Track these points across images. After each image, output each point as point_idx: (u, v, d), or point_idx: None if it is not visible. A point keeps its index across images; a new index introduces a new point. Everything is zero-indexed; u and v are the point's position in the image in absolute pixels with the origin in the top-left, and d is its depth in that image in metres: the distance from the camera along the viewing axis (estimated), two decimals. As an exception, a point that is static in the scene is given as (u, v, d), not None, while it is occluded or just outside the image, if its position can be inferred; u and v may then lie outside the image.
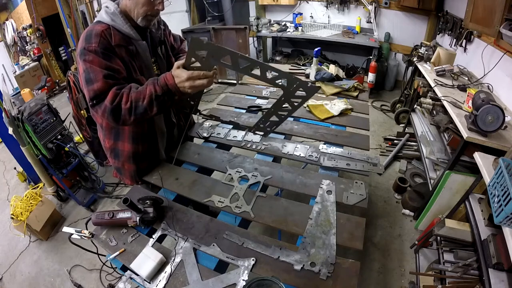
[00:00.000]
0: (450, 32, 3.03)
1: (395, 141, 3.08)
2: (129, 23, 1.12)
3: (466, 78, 2.33)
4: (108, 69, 1.06)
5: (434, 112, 2.22)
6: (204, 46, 0.91)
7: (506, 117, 1.51)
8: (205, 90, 1.41)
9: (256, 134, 1.46)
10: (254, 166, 1.33)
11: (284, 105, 1.09)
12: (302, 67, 2.63)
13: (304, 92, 0.97)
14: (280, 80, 1.01)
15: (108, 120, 1.09)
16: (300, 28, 4.32)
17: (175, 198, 1.25)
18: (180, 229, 1.08)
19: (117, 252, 1.00)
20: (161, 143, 1.42)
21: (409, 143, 3.00)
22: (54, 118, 2.28)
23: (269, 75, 0.98)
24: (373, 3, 3.83)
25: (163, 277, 0.93)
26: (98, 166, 3.00)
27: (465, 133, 1.63)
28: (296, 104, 1.05)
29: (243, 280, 0.89)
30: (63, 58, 5.36)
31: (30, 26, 4.85)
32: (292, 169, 1.30)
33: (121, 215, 1.07)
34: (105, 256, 1.04)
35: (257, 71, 0.97)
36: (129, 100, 1.04)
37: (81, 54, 1.05)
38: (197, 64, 1.00)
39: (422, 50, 2.83)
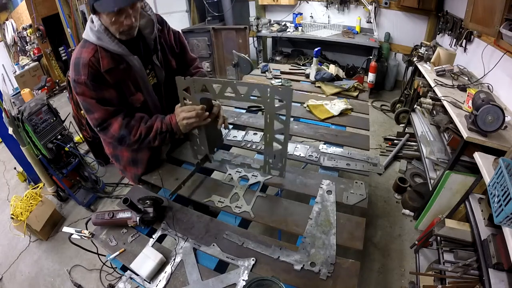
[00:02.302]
0: (450, 32, 3.03)
1: (395, 141, 3.08)
2: (116, 40, 1.05)
3: (466, 78, 2.32)
4: (100, 101, 1.07)
5: (434, 112, 2.22)
6: (186, 82, 1.03)
7: (506, 117, 1.51)
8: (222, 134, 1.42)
9: (274, 175, 1.28)
10: (253, 164, 1.33)
11: (275, 128, 1.07)
12: (302, 67, 2.63)
13: (282, 101, 0.98)
14: (254, 96, 1.02)
15: (112, 143, 1.18)
16: (300, 28, 4.32)
17: (175, 198, 1.25)
18: (180, 229, 1.08)
19: (117, 252, 1.00)
20: (165, 146, 1.43)
21: (409, 143, 3.00)
22: (54, 118, 2.28)
23: (243, 90, 1.02)
24: (373, 3, 3.83)
25: (163, 277, 0.93)
26: (98, 166, 3.00)
27: (465, 133, 1.63)
28: (284, 118, 1.02)
29: (243, 280, 0.89)
30: (63, 58, 5.35)
31: (30, 26, 4.85)
32: (292, 169, 1.30)
33: (121, 215, 1.07)
34: (105, 256, 1.04)
35: (231, 91, 1.01)
36: (138, 133, 1.13)
37: (73, 85, 1.06)
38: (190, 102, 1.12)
39: (422, 50, 2.83)
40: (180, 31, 1.40)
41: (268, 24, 4.60)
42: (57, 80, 5.17)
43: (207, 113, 1.14)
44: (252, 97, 1.03)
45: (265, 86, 0.96)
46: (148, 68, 1.22)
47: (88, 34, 1.05)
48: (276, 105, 1.00)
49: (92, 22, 1.04)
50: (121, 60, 1.09)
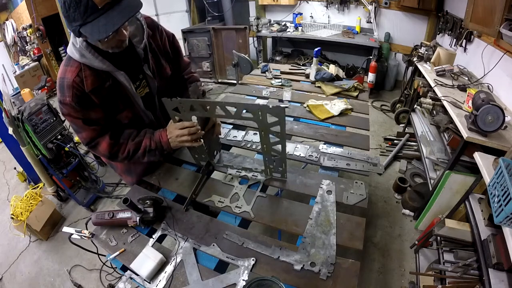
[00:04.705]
0: (450, 32, 3.03)
1: (395, 141, 3.08)
2: (99, 57, 0.99)
3: (466, 78, 2.32)
4: (87, 121, 1.06)
5: (434, 112, 2.22)
6: (173, 103, 1.02)
7: (506, 117, 1.51)
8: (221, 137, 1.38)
9: (275, 179, 1.27)
10: (254, 166, 1.33)
11: (272, 140, 1.06)
12: (302, 67, 2.63)
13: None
14: (245, 113, 0.99)
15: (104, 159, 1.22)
16: (300, 28, 4.32)
17: (175, 198, 1.25)
18: (180, 229, 1.08)
19: (117, 252, 1.01)
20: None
21: (409, 143, 3.00)
22: (54, 118, 2.28)
23: (232, 110, 0.99)
24: (373, 3, 3.83)
25: (163, 277, 0.93)
26: (98, 166, 3.00)
27: (465, 133, 1.63)
28: (279, 132, 1.00)
29: (243, 280, 0.89)
30: (63, 58, 5.35)
31: (30, 26, 4.84)
32: (292, 169, 1.30)
33: (121, 215, 1.07)
34: (105, 256, 1.04)
35: (220, 110, 1.00)
36: (126, 151, 1.14)
37: (59, 106, 1.05)
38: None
39: (422, 50, 2.82)
40: (175, 34, 1.33)
41: (268, 24, 4.60)
42: (57, 80, 5.16)
43: (202, 132, 1.14)
44: (244, 114, 1.00)
45: (255, 106, 0.93)
46: (139, 79, 1.17)
47: (71, 50, 0.99)
48: (270, 117, 0.95)
49: (75, 37, 0.97)
50: (107, 77, 1.04)
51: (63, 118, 2.37)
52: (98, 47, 0.98)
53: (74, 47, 0.98)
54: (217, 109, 1.02)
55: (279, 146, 1.08)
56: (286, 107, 1.87)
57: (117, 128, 1.15)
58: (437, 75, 2.38)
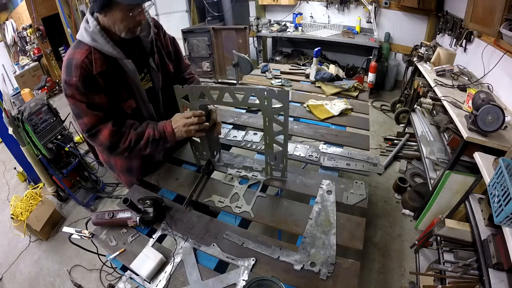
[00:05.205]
0: (450, 32, 3.03)
1: (395, 141, 3.08)
2: (111, 42, 1.02)
3: (466, 78, 2.32)
4: (91, 106, 1.05)
5: (434, 112, 2.22)
6: (184, 90, 1.05)
7: (506, 117, 1.51)
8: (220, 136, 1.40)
9: (276, 178, 1.27)
10: (254, 166, 1.33)
11: (274, 130, 1.07)
12: (302, 67, 2.63)
13: (280, 103, 0.97)
14: (252, 100, 1.02)
15: (103, 151, 1.18)
16: (300, 28, 4.32)
17: (175, 198, 1.25)
18: (180, 229, 1.08)
19: (117, 252, 1.00)
20: (159, 154, 1.42)
21: (409, 143, 3.00)
22: (54, 118, 2.28)
23: (240, 96, 1.02)
24: (373, 3, 3.83)
25: (163, 277, 0.93)
26: (98, 166, 3.00)
27: (465, 133, 1.63)
28: (282, 121, 1.02)
29: (243, 280, 0.89)
30: (63, 58, 5.35)
31: (30, 26, 4.85)
32: (292, 169, 1.30)
33: (121, 215, 1.07)
34: (105, 256, 1.04)
35: (228, 97, 1.03)
36: (128, 140, 1.11)
37: (64, 86, 1.03)
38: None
39: (422, 50, 2.83)
40: (174, 35, 1.37)
41: (268, 24, 4.60)
42: (57, 80, 5.16)
43: (207, 124, 1.14)
44: (250, 101, 1.03)
45: (261, 90, 0.96)
46: (143, 72, 1.19)
47: (82, 35, 1.01)
48: (274, 107, 0.99)
49: (87, 22, 1.00)
50: (115, 63, 1.06)
51: (63, 118, 2.37)
52: (112, 31, 1.01)
53: (85, 32, 1.00)
54: (226, 96, 1.04)
55: (281, 138, 1.08)
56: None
57: (119, 118, 1.14)
58: (437, 75, 2.38)
